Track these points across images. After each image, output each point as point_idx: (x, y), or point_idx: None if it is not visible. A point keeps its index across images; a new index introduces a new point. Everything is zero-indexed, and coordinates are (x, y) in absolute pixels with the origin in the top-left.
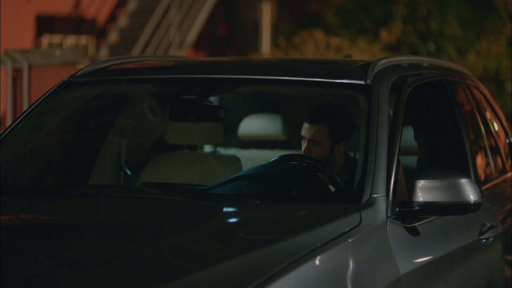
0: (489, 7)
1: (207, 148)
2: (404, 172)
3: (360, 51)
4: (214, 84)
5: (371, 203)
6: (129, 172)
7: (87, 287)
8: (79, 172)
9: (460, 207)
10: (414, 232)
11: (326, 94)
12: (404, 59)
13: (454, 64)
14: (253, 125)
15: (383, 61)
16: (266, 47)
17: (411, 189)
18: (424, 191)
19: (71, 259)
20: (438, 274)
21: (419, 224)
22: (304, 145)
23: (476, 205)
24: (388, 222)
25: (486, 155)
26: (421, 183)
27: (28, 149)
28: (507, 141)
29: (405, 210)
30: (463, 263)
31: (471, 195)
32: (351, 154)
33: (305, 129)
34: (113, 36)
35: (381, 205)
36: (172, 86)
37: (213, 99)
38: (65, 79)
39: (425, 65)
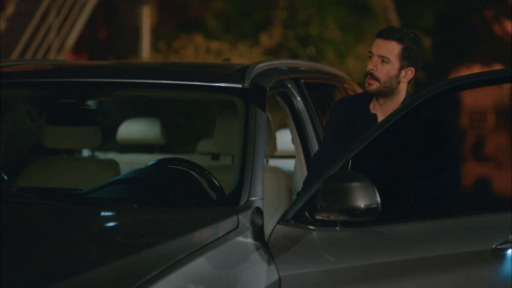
0: (368, 11)
1: (85, 153)
2: (282, 176)
3: (240, 55)
4: (92, 87)
5: (248, 206)
6: (5, 177)
7: None
8: None
9: (365, 212)
10: (324, 237)
11: (204, 98)
12: (282, 62)
13: (332, 68)
14: (131, 129)
15: (261, 65)
16: (146, 51)
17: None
18: (327, 195)
19: None
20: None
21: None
22: (370, 62)
23: (372, 211)
24: (279, 225)
25: None
26: (326, 186)
27: None
28: None
29: (312, 214)
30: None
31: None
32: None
33: (376, 45)
34: None
35: (259, 208)
36: (50, 90)
37: (91, 103)
38: None
39: (303, 68)
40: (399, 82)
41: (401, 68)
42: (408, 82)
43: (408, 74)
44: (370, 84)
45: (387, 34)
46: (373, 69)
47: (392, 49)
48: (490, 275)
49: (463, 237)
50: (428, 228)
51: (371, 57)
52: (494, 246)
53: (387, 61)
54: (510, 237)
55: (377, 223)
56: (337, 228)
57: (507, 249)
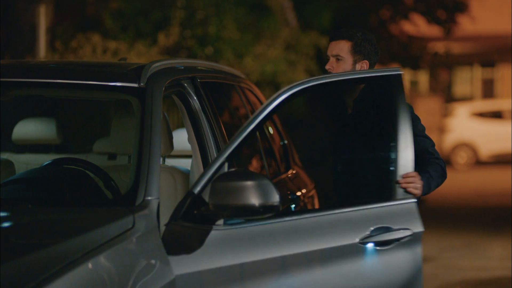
0: (266, 11)
1: None
2: (179, 175)
3: (138, 55)
4: None
5: (144, 206)
6: None
7: None
8: None
9: (257, 209)
10: (215, 235)
11: (100, 97)
12: (179, 62)
13: (229, 67)
14: (27, 129)
15: (157, 64)
16: (42, 51)
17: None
18: (220, 193)
19: None
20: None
21: (236, 227)
22: (327, 64)
23: (273, 208)
24: (171, 223)
25: (260, 158)
26: (217, 185)
27: None
28: (281, 143)
29: (202, 212)
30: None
31: (271, 198)
32: None
33: (329, 47)
34: None
35: (155, 208)
36: None
37: None
38: None
39: (200, 68)
40: None
41: (355, 63)
42: None
43: (364, 67)
44: None
45: (337, 35)
46: (330, 68)
47: (342, 47)
48: (355, 269)
49: (328, 233)
50: (294, 225)
51: (328, 60)
52: (357, 241)
53: (341, 59)
54: (369, 231)
55: (255, 220)
56: (226, 226)
57: (368, 243)
